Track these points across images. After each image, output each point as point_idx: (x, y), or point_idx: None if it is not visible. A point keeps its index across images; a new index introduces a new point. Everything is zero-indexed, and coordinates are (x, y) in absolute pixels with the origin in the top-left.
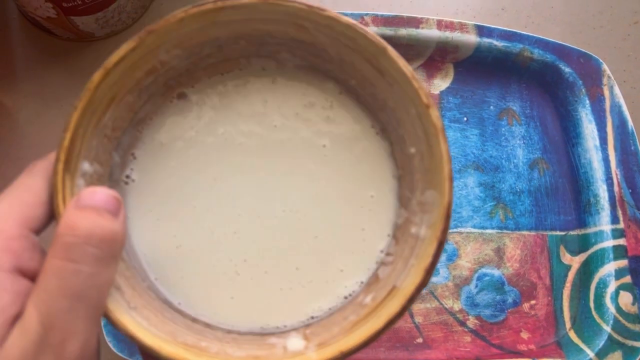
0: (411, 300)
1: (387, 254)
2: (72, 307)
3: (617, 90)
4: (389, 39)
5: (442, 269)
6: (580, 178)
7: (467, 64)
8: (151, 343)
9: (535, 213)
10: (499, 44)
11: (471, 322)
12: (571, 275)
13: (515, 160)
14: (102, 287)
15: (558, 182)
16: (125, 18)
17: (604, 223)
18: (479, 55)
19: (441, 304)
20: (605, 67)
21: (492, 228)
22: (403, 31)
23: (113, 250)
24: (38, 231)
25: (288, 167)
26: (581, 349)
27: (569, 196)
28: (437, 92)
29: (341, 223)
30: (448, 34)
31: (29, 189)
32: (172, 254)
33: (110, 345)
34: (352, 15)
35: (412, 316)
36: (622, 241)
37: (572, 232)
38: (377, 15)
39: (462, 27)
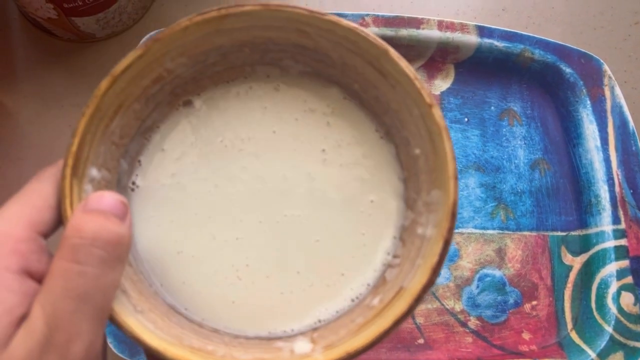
0: (418, 299)
1: (394, 256)
2: (78, 309)
3: (618, 90)
4: (389, 39)
5: (443, 270)
6: (582, 178)
7: (467, 65)
8: (156, 346)
9: (536, 213)
10: (499, 44)
11: (472, 322)
12: (572, 275)
13: (516, 161)
14: (107, 289)
15: (559, 183)
16: (126, 19)
17: (605, 223)
18: (479, 56)
19: (442, 304)
20: (606, 67)
21: (493, 229)
22: (404, 32)
23: (119, 253)
24: (46, 235)
25: (288, 172)
26: (583, 350)
27: (570, 197)
28: (437, 92)
29: (341, 227)
30: (449, 35)
31: (38, 193)
32: (174, 259)
33: (111, 346)
34: (352, 16)
35: (413, 317)
36: (623, 241)
37: (573, 233)
38: (377, 16)
39: (462, 27)
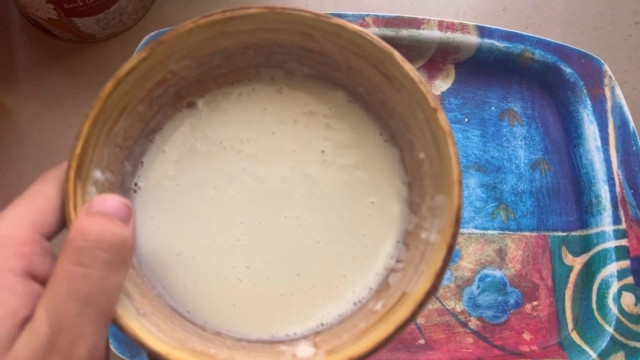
0: (421, 305)
1: (398, 261)
2: (82, 311)
3: (618, 90)
4: (390, 40)
5: None
6: (582, 179)
7: (468, 65)
8: (159, 349)
9: (537, 214)
10: (500, 44)
11: (473, 323)
12: (573, 276)
13: (516, 161)
14: (111, 292)
15: (560, 183)
16: (126, 19)
17: (605, 224)
18: (480, 56)
19: (443, 305)
20: (606, 67)
21: (494, 229)
22: (404, 32)
23: (123, 256)
24: (50, 237)
25: (287, 173)
26: (584, 350)
27: (571, 197)
28: (438, 93)
29: (341, 228)
30: (449, 35)
31: (41, 195)
32: (174, 262)
33: (112, 346)
34: (352, 16)
35: None
36: (624, 242)
37: (574, 233)
38: (378, 16)
39: (463, 28)
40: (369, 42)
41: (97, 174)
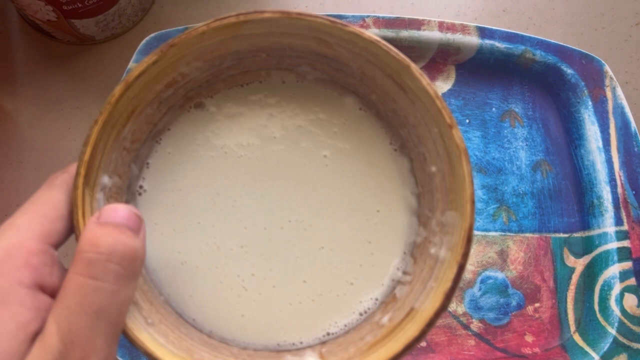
0: (430, 324)
1: (405, 273)
2: (93, 325)
3: (619, 91)
4: (390, 40)
5: None
6: (584, 180)
7: (469, 66)
8: None
9: (538, 215)
10: (500, 45)
11: (475, 325)
12: (575, 277)
13: (518, 162)
14: (122, 305)
15: (561, 184)
16: (126, 21)
17: (607, 225)
18: (480, 57)
19: None
20: (607, 68)
21: (496, 230)
22: (405, 33)
23: (134, 268)
24: (57, 245)
25: (290, 177)
26: (586, 352)
27: (572, 198)
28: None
29: (346, 235)
30: (450, 36)
31: (48, 202)
32: (178, 271)
33: None
34: (353, 17)
35: None
36: (626, 243)
37: (575, 234)
38: (378, 17)
39: (463, 28)
40: (386, 52)
41: (105, 179)
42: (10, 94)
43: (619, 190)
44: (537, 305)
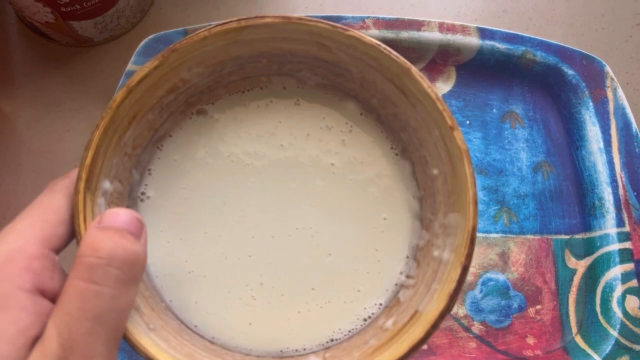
0: (435, 326)
1: (408, 277)
2: (93, 330)
3: (620, 92)
4: (390, 41)
5: None
6: (585, 181)
7: (469, 67)
8: None
9: (539, 217)
10: (501, 46)
11: (476, 327)
12: (577, 279)
13: (518, 164)
14: (122, 310)
15: (562, 185)
16: (124, 23)
17: (609, 226)
18: (481, 58)
19: None
20: (608, 69)
21: (497, 232)
22: (404, 34)
23: (134, 273)
24: (58, 250)
25: (297, 185)
26: (588, 354)
27: (574, 199)
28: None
29: (354, 242)
30: (450, 37)
31: (50, 207)
32: (184, 278)
33: None
34: (352, 18)
35: None
36: (628, 244)
37: (577, 236)
38: (378, 19)
39: (464, 29)
40: (386, 56)
41: (106, 184)
42: (8, 96)
43: (620, 191)
44: (538, 307)
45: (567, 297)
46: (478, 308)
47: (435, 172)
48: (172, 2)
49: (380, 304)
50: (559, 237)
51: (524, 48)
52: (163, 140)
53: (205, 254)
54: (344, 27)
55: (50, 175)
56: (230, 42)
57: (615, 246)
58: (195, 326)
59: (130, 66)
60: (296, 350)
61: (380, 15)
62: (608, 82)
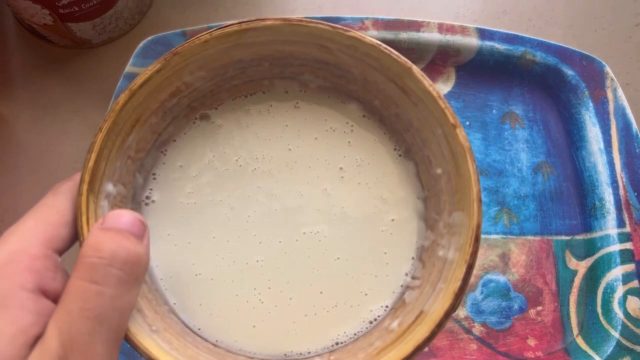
0: (440, 325)
1: (414, 278)
2: (94, 330)
3: (620, 92)
4: (389, 42)
5: None
6: (585, 182)
7: (468, 68)
8: None
9: (540, 218)
10: (500, 47)
11: (477, 329)
12: (577, 280)
13: (519, 165)
14: (124, 310)
15: (562, 186)
16: (123, 24)
17: (610, 227)
18: (480, 59)
19: None
20: (608, 69)
21: (497, 233)
22: (404, 35)
23: (136, 274)
24: (61, 251)
25: (304, 189)
26: (589, 356)
27: (574, 200)
28: None
29: (362, 245)
30: (449, 38)
31: (53, 209)
32: (191, 281)
33: None
34: (352, 19)
35: None
36: (628, 245)
37: (577, 237)
38: (377, 19)
39: (463, 30)
40: (387, 56)
41: (109, 187)
42: (7, 98)
43: (621, 192)
44: (539, 308)
45: (568, 298)
46: (479, 309)
47: (439, 171)
48: (171, 4)
49: (386, 306)
50: (559, 238)
51: (523, 49)
52: (167, 145)
53: (214, 257)
54: (344, 27)
55: (49, 178)
56: (232, 45)
57: (616, 247)
58: (199, 329)
59: (128, 68)
60: (300, 354)
61: (379, 16)
62: (608, 83)
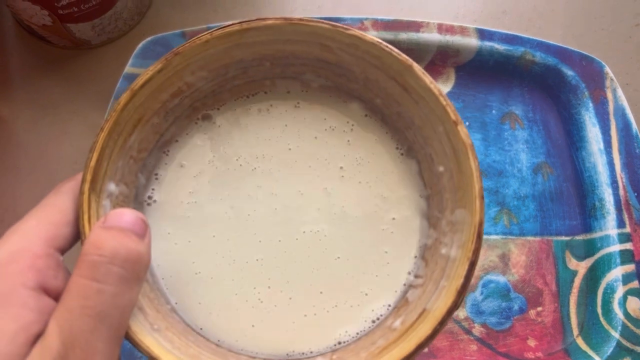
0: (443, 322)
1: (416, 276)
2: (94, 327)
3: (620, 92)
4: (389, 43)
5: None
6: (585, 182)
7: (468, 68)
8: None
9: (540, 218)
10: (500, 47)
11: (477, 330)
12: (577, 280)
13: (518, 165)
14: (125, 308)
15: (562, 187)
16: (122, 25)
17: (609, 227)
18: (480, 59)
19: None
20: (607, 69)
21: (497, 234)
22: (403, 35)
23: (137, 272)
24: (63, 250)
25: (303, 188)
26: (589, 356)
27: (574, 200)
28: None
29: (362, 245)
30: (449, 38)
31: (55, 208)
32: (191, 280)
33: None
34: (351, 19)
35: None
36: (628, 245)
37: (577, 237)
38: (377, 20)
39: (462, 30)
40: (388, 54)
41: (112, 187)
42: (6, 98)
43: (621, 192)
44: (539, 309)
45: (568, 299)
46: (479, 310)
47: (441, 169)
48: (170, 5)
49: (389, 305)
50: (559, 238)
51: (523, 49)
52: (169, 145)
53: (214, 256)
54: (345, 26)
55: (48, 178)
56: (233, 44)
57: (616, 247)
58: (201, 329)
59: (128, 69)
60: (303, 354)
61: (379, 17)
62: (608, 83)
